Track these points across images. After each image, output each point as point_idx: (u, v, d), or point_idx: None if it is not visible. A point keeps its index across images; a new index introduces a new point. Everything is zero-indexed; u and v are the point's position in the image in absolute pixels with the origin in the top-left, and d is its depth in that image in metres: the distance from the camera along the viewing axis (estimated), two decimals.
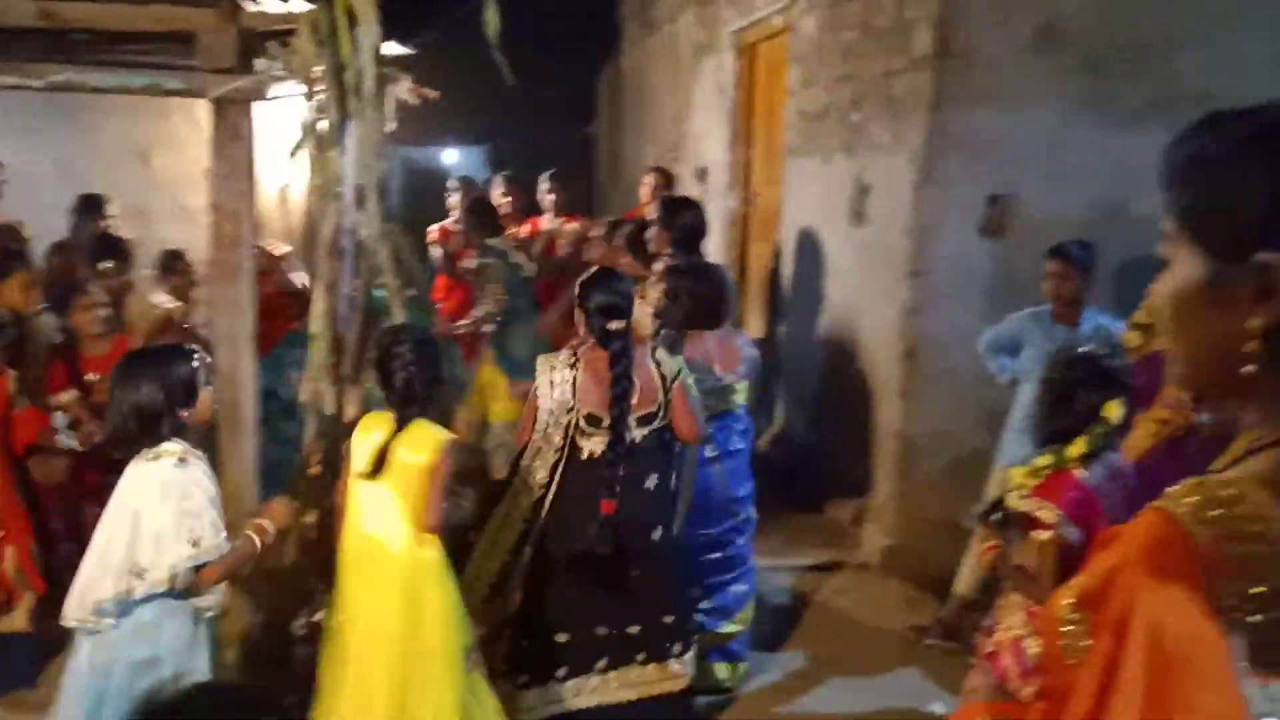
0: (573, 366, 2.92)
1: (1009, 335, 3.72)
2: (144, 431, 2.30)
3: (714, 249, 6.76)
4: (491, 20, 3.10)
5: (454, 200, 5.93)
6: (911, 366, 4.34)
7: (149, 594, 2.25)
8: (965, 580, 3.79)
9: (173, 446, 2.30)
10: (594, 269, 3.18)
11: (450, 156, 14.70)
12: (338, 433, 3.11)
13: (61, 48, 3.09)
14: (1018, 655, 2.36)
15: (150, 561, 2.23)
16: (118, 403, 2.31)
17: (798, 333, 5.59)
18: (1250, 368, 0.82)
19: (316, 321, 3.18)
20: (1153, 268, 1.05)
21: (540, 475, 2.92)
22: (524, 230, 5.66)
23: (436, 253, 5.78)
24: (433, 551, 2.61)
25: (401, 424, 2.61)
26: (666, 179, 5.70)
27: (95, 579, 2.25)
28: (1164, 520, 0.81)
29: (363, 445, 2.63)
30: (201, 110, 3.80)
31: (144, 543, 2.24)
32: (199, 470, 2.33)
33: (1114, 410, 2.37)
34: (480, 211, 5.03)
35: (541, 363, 3.00)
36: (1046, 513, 2.33)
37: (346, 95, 3.07)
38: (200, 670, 2.36)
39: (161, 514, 2.24)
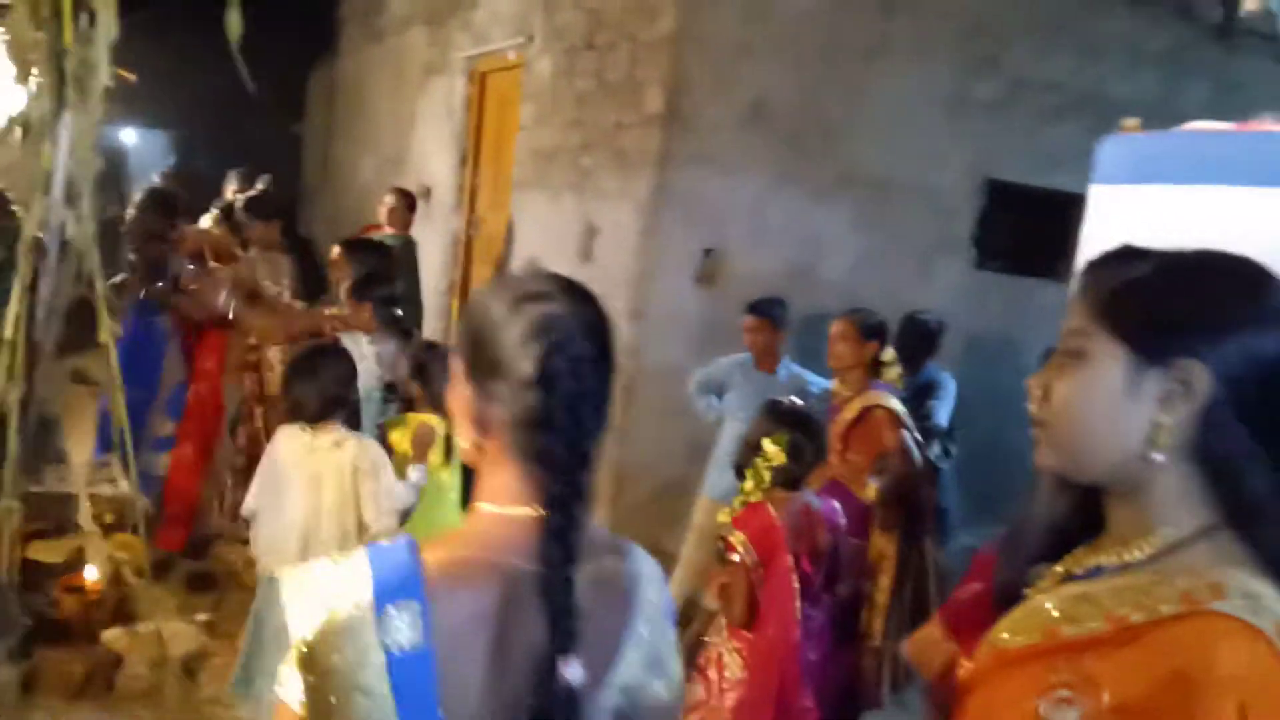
0: None
1: (716, 377, 4.09)
2: None
3: (436, 269, 6.77)
4: (234, 24, 2.99)
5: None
6: (628, 401, 4.64)
7: None
8: None
9: None
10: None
11: (127, 137, 13.29)
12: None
13: None
14: (720, 670, 2.67)
15: None
16: None
17: None
18: (1160, 458, 0.91)
19: (8, 326, 2.86)
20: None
21: None
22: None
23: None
24: None
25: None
26: (409, 201, 5.64)
27: None
28: (1265, 644, 0.83)
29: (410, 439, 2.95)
30: None
31: None
32: None
33: (771, 447, 2.67)
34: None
35: None
36: (735, 538, 2.63)
37: (65, 84, 2.81)
38: None
39: None
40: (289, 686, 0.97)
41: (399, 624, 0.94)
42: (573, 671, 0.96)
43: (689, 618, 4.03)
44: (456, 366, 1.09)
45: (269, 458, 2.76)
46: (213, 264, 4.59)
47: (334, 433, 2.69)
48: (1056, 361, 0.98)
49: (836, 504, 2.84)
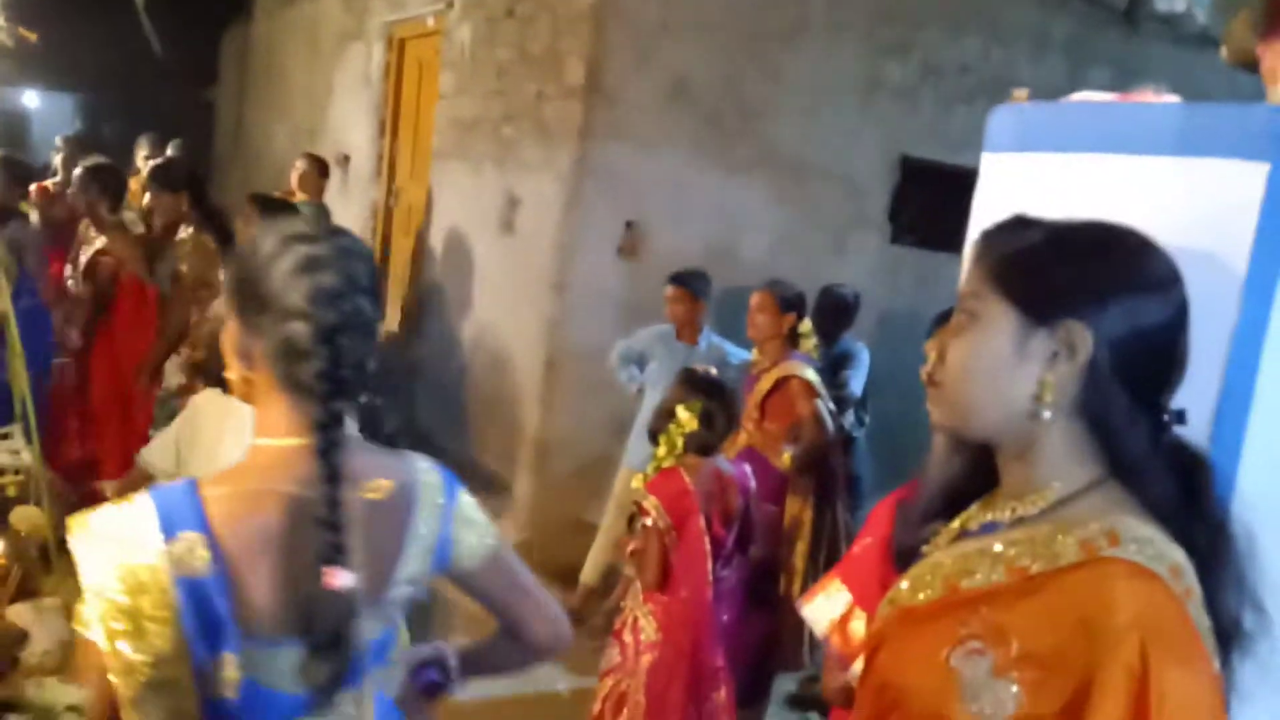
0: None
1: (637, 349, 4.14)
2: None
3: None
4: None
5: (59, 159, 5.24)
6: (551, 374, 4.66)
7: None
8: (590, 570, 4.17)
9: None
10: None
11: (30, 100, 12.67)
12: None
13: None
14: (635, 633, 2.73)
15: None
16: None
17: (441, 334, 5.70)
18: (1047, 415, 0.95)
19: None
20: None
21: None
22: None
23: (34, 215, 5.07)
24: None
25: None
26: (320, 167, 5.52)
27: None
28: (1160, 585, 0.89)
29: None
30: None
31: None
32: None
33: (684, 414, 2.74)
34: (106, 179, 4.43)
35: None
36: (648, 503, 2.69)
37: None
38: None
39: None
40: (92, 626, 1.04)
41: (186, 555, 1.03)
42: (342, 579, 1.06)
43: (609, 586, 4.09)
44: (227, 305, 1.17)
45: (189, 422, 2.72)
46: (94, 234, 4.37)
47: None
48: (952, 324, 1.02)
49: (748, 468, 2.92)
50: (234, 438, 2.64)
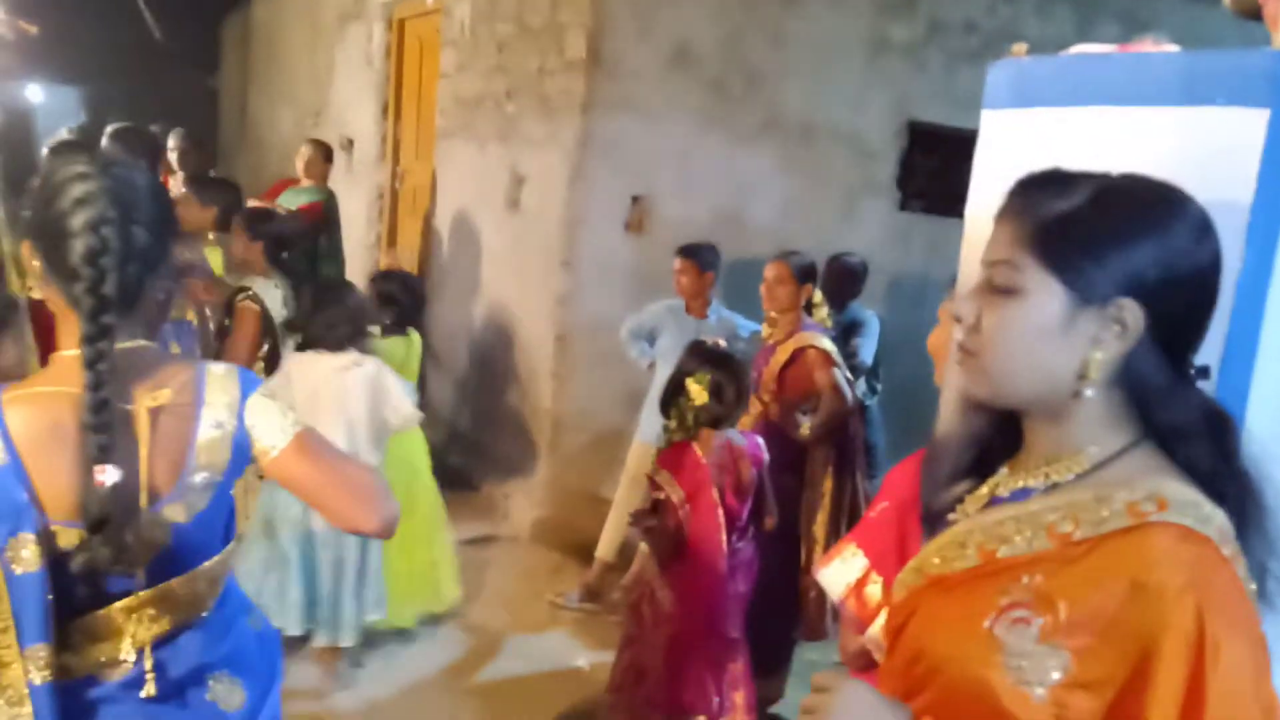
0: None
1: (647, 323, 4.12)
2: None
3: (362, 223, 6.65)
4: None
5: None
6: (562, 350, 4.66)
7: None
8: (606, 545, 4.18)
9: None
10: None
11: (34, 94, 12.68)
12: None
13: None
14: (653, 606, 2.74)
15: None
16: None
17: (451, 314, 5.70)
18: (1089, 392, 0.94)
19: None
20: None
21: None
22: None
23: None
24: None
25: None
26: (325, 153, 5.51)
27: None
28: (1212, 549, 0.89)
29: None
30: None
31: None
32: None
33: (694, 387, 2.74)
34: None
35: None
36: (660, 477, 2.70)
37: None
38: None
39: None
40: None
41: None
42: (109, 475, 1.23)
43: (626, 561, 4.11)
44: (28, 236, 1.34)
45: (283, 384, 3.04)
46: None
47: (351, 355, 3.13)
48: (984, 290, 0.98)
49: (760, 440, 2.91)
50: (328, 393, 3.06)
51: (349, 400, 3.10)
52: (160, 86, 10.48)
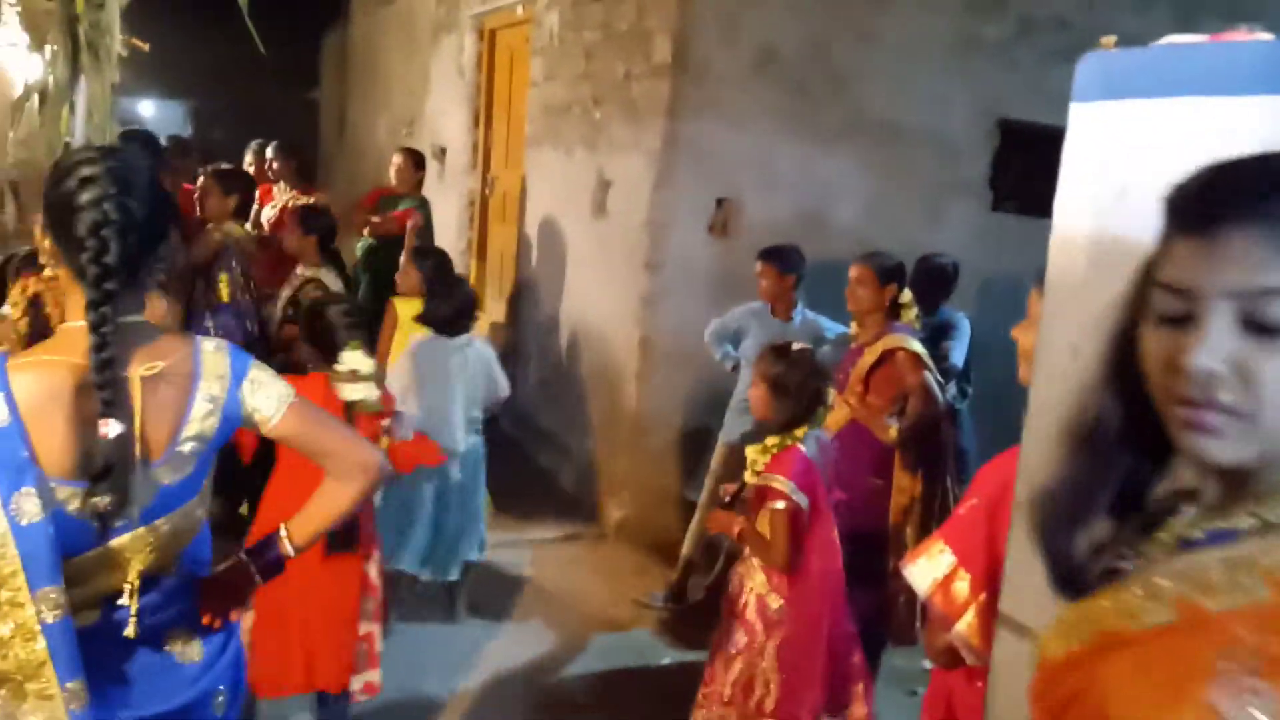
0: None
1: (731, 326, 4.14)
2: None
3: (453, 229, 6.83)
4: None
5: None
6: (645, 352, 4.71)
7: None
8: (690, 545, 4.21)
9: None
10: None
11: (145, 109, 13.38)
12: None
13: None
14: (763, 611, 2.71)
15: None
16: None
17: (539, 317, 5.81)
18: None
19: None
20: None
21: None
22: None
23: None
24: None
25: None
26: (416, 160, 5.68)
27: None
28: None
29: None
30: None
31: None
32: None
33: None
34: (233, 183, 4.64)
35: None
36: (779, 484, 2.65)
37: (79, 50, 2.87)
38: None
39: None
40: None
41: None
42: (113, 428, 1.34)
43: (710, 561, 4.13)
44: (43, 217, 1.48)
45: (405, 364, 3.65)
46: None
47: (465, 338, 3.78)
48: (1242, 328, 0.78)
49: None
50: (450, 368, 3.71)
51: (467, 373, 3.77)
52: (263, 100, 10.94)
